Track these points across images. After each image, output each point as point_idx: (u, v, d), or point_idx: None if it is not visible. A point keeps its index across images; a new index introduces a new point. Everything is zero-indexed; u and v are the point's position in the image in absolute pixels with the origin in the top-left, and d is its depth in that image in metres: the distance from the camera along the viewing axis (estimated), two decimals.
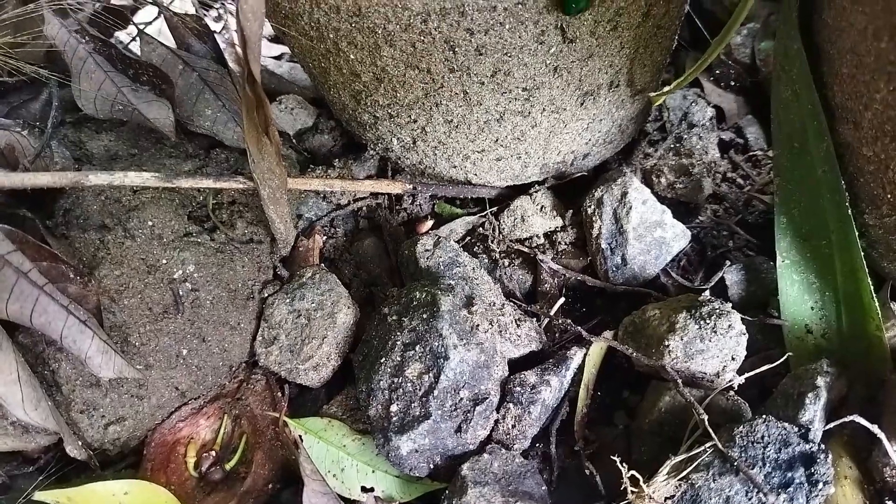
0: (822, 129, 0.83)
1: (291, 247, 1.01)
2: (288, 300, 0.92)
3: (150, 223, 0.87)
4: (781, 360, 0.86)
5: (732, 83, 1.31)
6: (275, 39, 1.39)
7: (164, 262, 0.87)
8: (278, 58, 1.31)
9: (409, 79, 0.90)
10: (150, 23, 1.13)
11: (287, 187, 0.87)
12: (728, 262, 1.00)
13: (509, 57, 0.86)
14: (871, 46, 0.68)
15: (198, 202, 0.94)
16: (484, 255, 1.07)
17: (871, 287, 0.83)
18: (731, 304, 0.87)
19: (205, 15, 1.38)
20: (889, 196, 0.78)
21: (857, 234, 0.83)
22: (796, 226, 0.91)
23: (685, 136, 1.13)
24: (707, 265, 1.05)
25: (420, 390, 0.81)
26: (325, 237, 1.05)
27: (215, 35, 1.06)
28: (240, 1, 0.64)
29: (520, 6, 0.80)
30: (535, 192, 1.10)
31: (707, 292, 0.97)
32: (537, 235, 1.08)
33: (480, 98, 0.92)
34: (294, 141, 1.14)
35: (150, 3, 1.05)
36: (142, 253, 0.87)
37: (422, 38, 0.83)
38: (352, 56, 0.89)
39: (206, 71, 1.00)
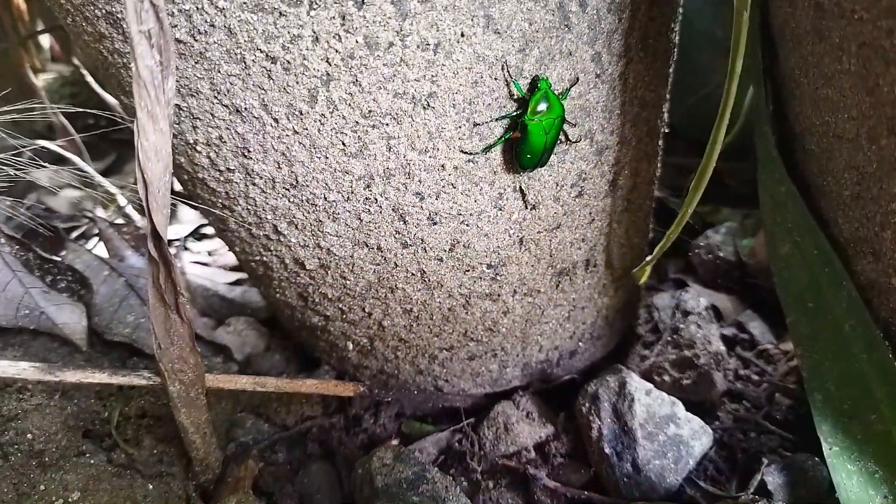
0: (837, 275, 0.71)
1: (217, 476, 0.80)
2: None
3: (29, 436, 0.69)
4: None
5: (720, 281, 1.22)
6: (235, 268, 1.32)
7: (42, 487, 0.67)
8: (235, 283, 1.23)
9: (359, 259, 0.80)
10: (87, 240, 1.06)
11: (205, 385, 0.70)
12: (765, 462, 0.80)
13: (467, 226, 0.77)
14: (871, 152, 0.59)
15: (101, 418, 0.76)
16: (463, 478, 0.86)
17: None
18: None
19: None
20: None
21: None
22: (835, 402, 0.73)
23: (682, 326, 1.00)
24: (741, 470, 0.84)
25: None
26: (261, 464, 0.85)
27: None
28: (139, 138, 0.56)
29: (471, 164, 0.73)
30: (520, 397, 0.93)
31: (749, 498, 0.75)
32: (526, 449, 0.88)
33: (440, 278, 0.81)
34: (239, 361, 1.00)
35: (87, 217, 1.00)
36: (14, 476, 0.67)
37: (367, 206, 0.74)
38: (293, 239, 0.80)
39: (135, 277, 0.90)
